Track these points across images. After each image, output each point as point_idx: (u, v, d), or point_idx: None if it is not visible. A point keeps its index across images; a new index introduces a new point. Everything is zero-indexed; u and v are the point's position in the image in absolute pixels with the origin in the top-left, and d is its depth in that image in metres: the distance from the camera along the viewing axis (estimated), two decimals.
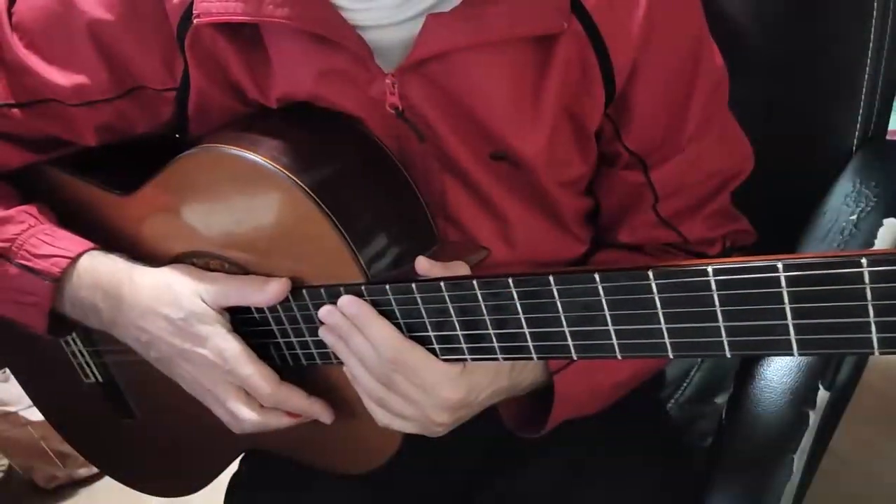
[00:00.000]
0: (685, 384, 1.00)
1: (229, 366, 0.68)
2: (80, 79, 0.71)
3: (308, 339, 0.68)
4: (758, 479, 0.69)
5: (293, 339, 0.70)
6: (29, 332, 0.76)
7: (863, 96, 0.86)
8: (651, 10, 0.65)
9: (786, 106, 0.92)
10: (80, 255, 0.72)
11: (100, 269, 0.72)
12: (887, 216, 0.77)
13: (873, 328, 0.44)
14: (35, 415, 1.44)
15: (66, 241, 0.73)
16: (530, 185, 0.72)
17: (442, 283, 0.58)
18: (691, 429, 0.95)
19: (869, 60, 0.85)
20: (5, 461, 1.63)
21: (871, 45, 0.84)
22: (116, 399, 0.88)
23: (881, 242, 0.74)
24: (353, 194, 0.66)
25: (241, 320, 0.70)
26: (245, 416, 0.69)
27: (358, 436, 0.73)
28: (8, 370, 1.59)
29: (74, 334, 0.86)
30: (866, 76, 0.85)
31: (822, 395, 0.70)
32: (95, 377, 0.88)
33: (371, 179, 0.68)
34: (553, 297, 0.53)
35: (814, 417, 0.71)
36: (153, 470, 0.93)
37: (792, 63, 0.90)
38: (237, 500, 0.84)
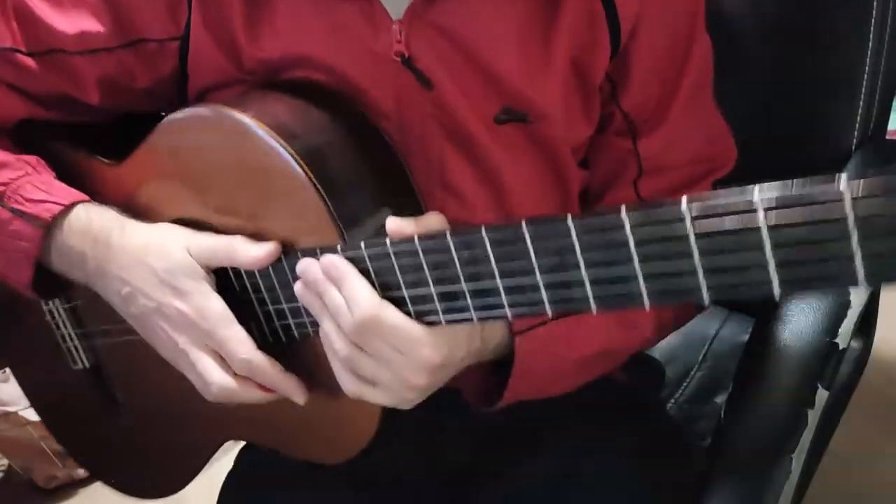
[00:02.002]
0: (685, 384, 1.00)
1: (208, 325, 0.66)
2: (83, 24, 0.71)
3: (285, 306, 0.67)
4: (757, 479, 0.70)
5: (271, 308, 0.68)
6: (19, 303, 0.75)
7: (863, 96, 0.86)
8: None
9: (786, 106, 0.92)
10: (73, 203, 0.71)
11: (93, 217, 0.71)
12: None
13: (858, 258, 0.41)
14: (35, 415, 1.44)
15: (60, 191, 0.72)
16: (540, 147, 0.71)
17: (416, 237, 0.57)
18: (691, 429, 0.95)
19: (869, 60, 0.85)
20: (5, 461, 1.63)
21: (871, 45, 0.84)
22: (102, 386, 0.87)
23: None
24: (341, 166, 0.65)
25: (221, 288, 0.70)
26: (216, 378, 0.67)
27: (333, 422, 0.72)
28: (8, 370, 1.60)
29: (63, 315, 0.85)
30: (866, 76, 0.86)
31: (822, 394, 0.71)
32: (83, 362, 0.87)
33: (361, 153, 0.67)
34: (525, 242, 0.52)
35: (813, 417, 0.71)
36: (135, 467, 0.93)
37: (792, 63, 0.90)
38: (231, 500, 0.84)
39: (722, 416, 0.79)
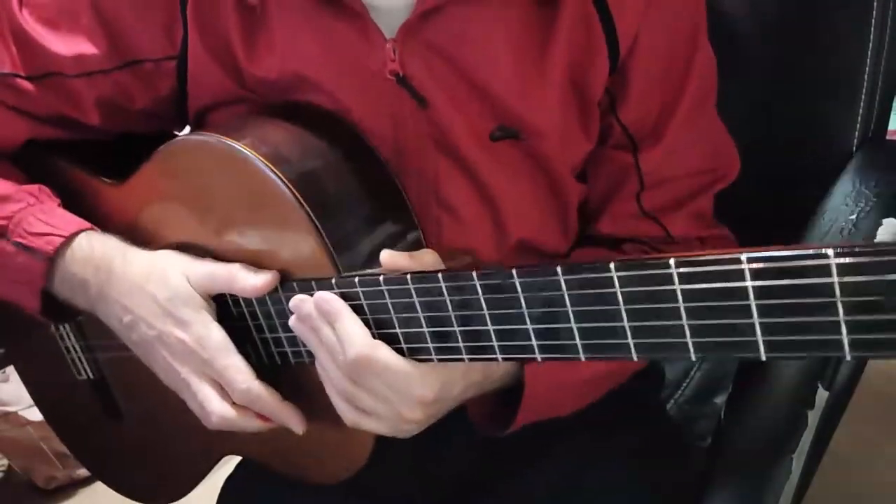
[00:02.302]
0: (685, 384, 1.00)
1: (207, 354, 0.67)
2: (80, 47, 0.72)
3: (282, 334, 0.68)
4: (757, 480, 0.69)
5: (268, 336, 0.69)
6: (27, 317, 0.76)
7: (863, 96, 0.86)
8: None
9: (786, 106, 0.92)
10: (74, 234, 0.72)
11: (94, 245, 0.72)
12: (886, 216, 0.77)
13: (843, 328, 0.41)
14: (35, 415, 1.44)
15: (61, 220, 0.73)
16: (536, 165, 0.71)
17: (408, 277, 0.57)
18: (691, 429, 0.94)
19: (869, 60, 0.85)
20: (5, 461, 1.63)
21: (871, 45, 0.84)
22: (105, 397, 0.88)
23: None
24: (334, 191, 0.65)
25: (219, 317, 0.70)
26: (215, 408, 0.68)
27: (327, 446, 0.72)
28: (8, 370, 1.60)
29: (68, 328, 0.86)
30: (866, 76, 0.85)
31: (822, 395, 0.70)
32: (87, 374, 0.88)
33: (355, 177, 0.68)
34: (516, 291, 0.52)
35: (813, 418, 0.70)
36: (137, 472, 0.93)
37: (792, 63, 0.90)
38: (230, 502, 0.84)
39: (722, 416, 0.79)
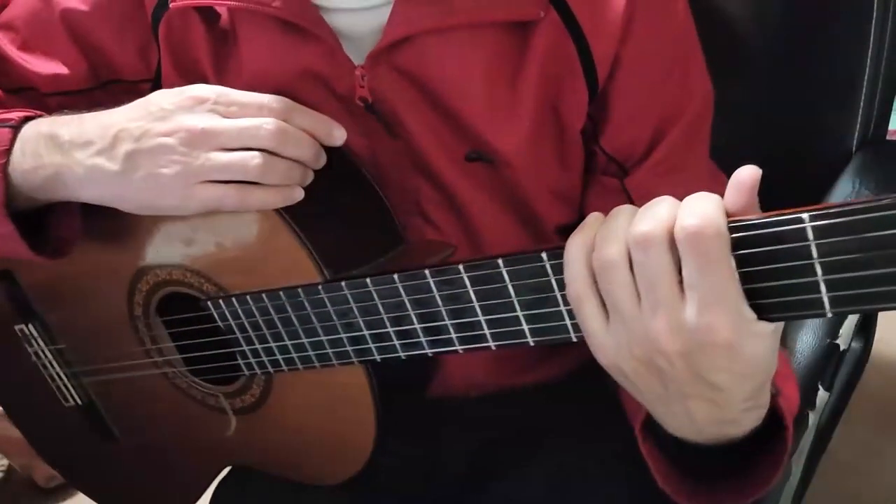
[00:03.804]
0: None
1: (218, 128, 0.60)
2: (56, 68, 0.72)
3: (272, 344, 0.67)
4: None
5: (258, 347, 0.68)
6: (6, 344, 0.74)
7: (863, 96, 0.86)
8: (631, 1, 0.64)
9: (786, 106, 0.92)
10: (26, 118, 0.67)
11: (54, 118, 0.67)
12: None
13: (822, 287, 0.41)
14: None
15: (8, 112, 0.69)
16: (509, 189, 0.70)
17: (395, 276, 0.57)
18: None
19: (869, 61, 0.85)
20: (5, 461, 1.62)
21: (871, 45, 0.84)
22: (97, 421, 0.87)
23: None
24: (312, 197, 0.64)
25: (206, 330, 0.70)
26: (255, 160, 0.59)
27: (326, 449, 0.72)
28: None
29: (50, 357, 0.84)
30: (866, 76, 0.85)
31: (822, 395, 0.71)
32: (75, 400, 0.86)
33: (332, 182, 0.67)
34: (504, 280, 0.53)
35: (813, 418, 0.71)
36: (133, 492, 0.93)
37: (792, 63, 0.90)
38: (228, 497, 0.83)
39: None
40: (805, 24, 0.89)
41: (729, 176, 0.43)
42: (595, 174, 0.72)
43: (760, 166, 0.78)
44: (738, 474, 0.54)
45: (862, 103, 0.87)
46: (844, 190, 0.83)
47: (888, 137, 0.91)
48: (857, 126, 0.88)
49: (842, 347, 0.74)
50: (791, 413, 0.54)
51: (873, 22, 0.83)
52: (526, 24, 0.64)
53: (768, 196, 0.87)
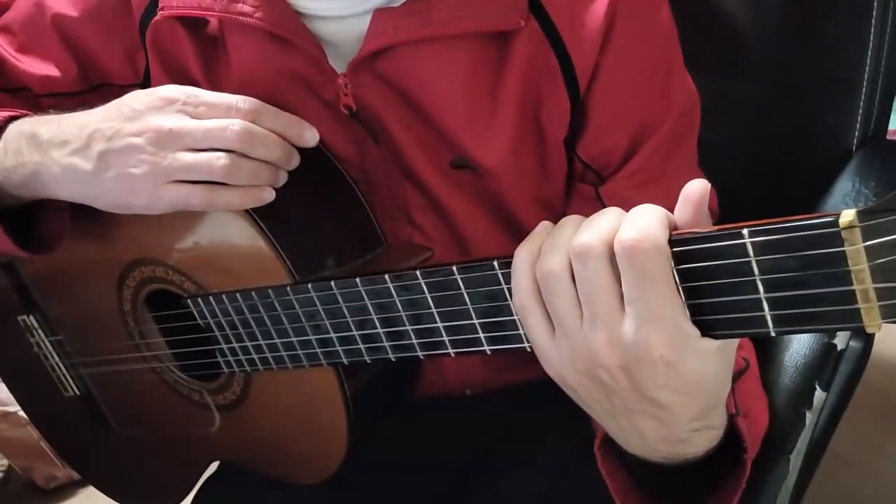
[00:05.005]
0: None
1: (174, 135, 0.60)
2: (49, 70, 0.74)
3: (248, 343, 0.67)
4: (752, 479, 0.69)
5: (235, 345, 0.68)
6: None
7: (863, 96, 0.86)
8: (610, 9, 0.64)
9: (785, 106, 0.92)
10: (9, 118, 0.68)
11: (36, 118, 0.68)
12: None
13: (765, 305, 0.40)
14: None
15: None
16: (494, 196, 0.70)
17: (358, 280, 0.57)
18: None
19: (869, 60, 0.85)
20: (5, 461, 1.63)
21: (871, 45, 0.84)
22: (95, 412, 0.88)
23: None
24: (286, 198, 0.64)
25: (185, 328, 0.71)
26: (221, 160, 0.60)
27: (303, 447, 0.73)
28: None
29: (50, 347, 0.86)
30: (866, 76, 0.85)
31: (819, 395, 0.70)
32: (73, 390, 0.88)
33: (309, 184, 0.67)
34: (459, 288, 0.52)
35: (811, 418, 0.71)
36: (131, 481, 0.94)
37: (792, 63, 0.90)
38: (207, 499, 0.83)
39: None
40: (805, 24, 0.89)
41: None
42: (576, 181, 0.71)
43: (760, 165, 0.78)
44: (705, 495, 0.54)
45: (862, 102, 0.87)
46: (844, 189, 0.83)
47: (888, 136, 0.91)
48: (857, 125, 0.88)
49: (840, 347, 0.74)
50: (754, 435, 0.54)
51: (873, 21, 0.83)
52: (506, 34, 0.64)
53: (768, 196, 0.87)
